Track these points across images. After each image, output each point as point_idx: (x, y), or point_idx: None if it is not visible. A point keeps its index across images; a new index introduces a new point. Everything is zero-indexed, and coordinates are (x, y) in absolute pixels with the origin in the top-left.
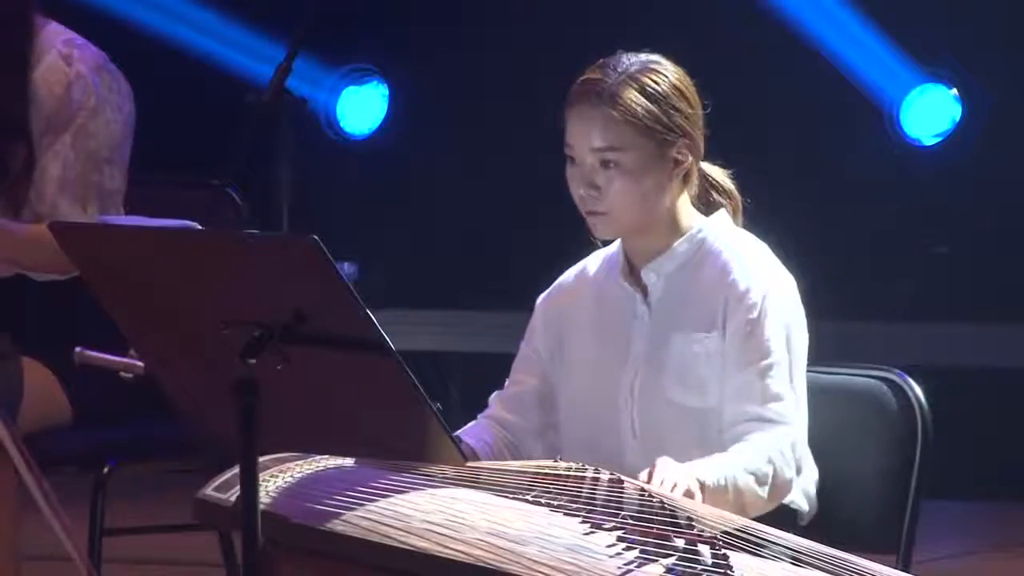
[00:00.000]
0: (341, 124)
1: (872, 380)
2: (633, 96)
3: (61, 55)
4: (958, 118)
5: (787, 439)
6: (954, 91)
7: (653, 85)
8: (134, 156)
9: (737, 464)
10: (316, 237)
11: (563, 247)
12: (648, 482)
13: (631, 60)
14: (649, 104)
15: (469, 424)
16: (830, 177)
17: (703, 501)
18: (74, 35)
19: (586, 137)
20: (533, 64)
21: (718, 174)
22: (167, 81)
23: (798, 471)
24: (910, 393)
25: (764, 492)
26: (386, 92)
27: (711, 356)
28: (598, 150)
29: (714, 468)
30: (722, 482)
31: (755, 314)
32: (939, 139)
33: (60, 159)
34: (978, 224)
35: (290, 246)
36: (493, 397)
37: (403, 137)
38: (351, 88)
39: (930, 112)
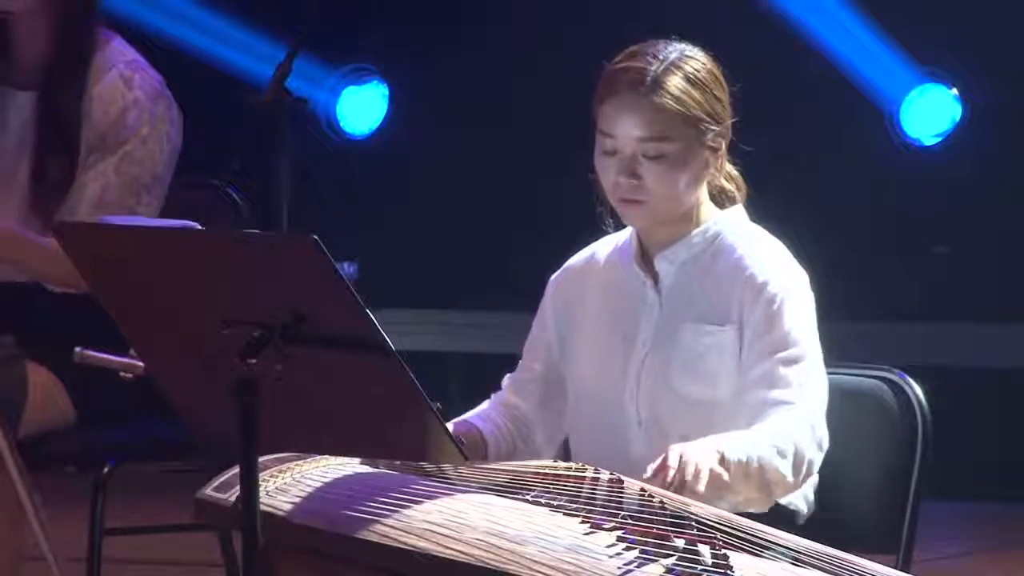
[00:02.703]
0: (341, 124)
1: (872, 380)
2: (679, 83)
3: (122, 76)
4: (958, 118)
5: (806, 419)
6: (954, 91)
7: (695, 73)
8: None
9: (757, 438)
10: (316, 237)
11: (563, 247)
12: (659, 468)
13: (668, 48)
14: (694, 91)
15: (481, 405)
16: (830, 177)
17: (727, 477)
18: (137, 56)
19: (631, 126)
20: (533, 64)
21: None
22: (167, 81)
23: (819, 449)
24: (910, 393)
25: (787, 468)
26: (386, 92)
27: (723, 349)
28: (644, 140)
29: (735, 442)
30: (744, 458)
31: (775, 306)
32: (939, 139)
33: (101, 180)
34: (978, 224)
35: (290, 246)
36: (506, 379)
37: (403, 137)
38: (351, 88)
39: (930, 112)
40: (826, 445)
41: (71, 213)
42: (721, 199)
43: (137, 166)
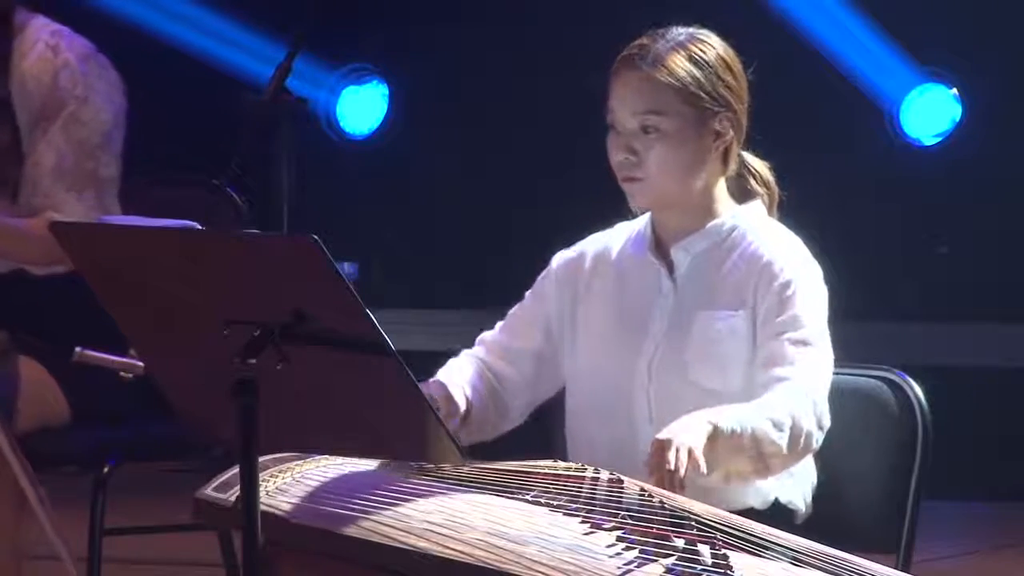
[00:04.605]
0: (341, 124)
1: (872, 380)
2: (679, 61)
3: (48, 46)
4: (958, 118)
5: (806, 395)
6: (954, 91)
7: (700, 53)
8: (133, 155)
9: (752, 410)
10: (316, 237)
11: (563, 247)
12: (655, 449)
13: (680, 30)
14: (694, 70)
15: (455, 360)
16: (830, 177)
17: (717, 447)
18: (60, 26)
19: (628, 100)
20: (533, 64)
21: (759, 165)
22: (167, 81)
23: (819, 426)
24: (910, 393)
25: (783, 440)
26: (386, 92)
27: (736, 334)
28: (639, 113)
29: (728, 414)
30: (737, 428)
31: (788, 292)
32: (939, 139)
33: (53, 149)
34: (978, 224)
35: (290, 246)
36: (486, 338)
37: (403, 137)
38: (351, 88)
39: (930, 112)
40: (827, 424)
41: (33, 187)
42: (743, 197)
43: (83, 128)
